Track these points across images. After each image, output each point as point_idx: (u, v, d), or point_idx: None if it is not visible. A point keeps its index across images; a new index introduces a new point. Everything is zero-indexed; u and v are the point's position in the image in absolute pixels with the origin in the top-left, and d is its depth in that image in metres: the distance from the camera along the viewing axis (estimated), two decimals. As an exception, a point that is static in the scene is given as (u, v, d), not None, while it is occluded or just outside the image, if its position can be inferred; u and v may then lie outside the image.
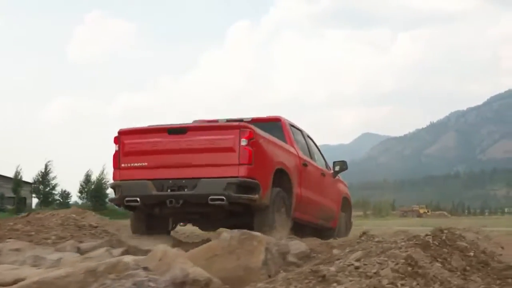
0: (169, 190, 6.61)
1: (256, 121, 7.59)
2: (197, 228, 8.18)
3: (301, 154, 8.00)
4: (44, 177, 67.35)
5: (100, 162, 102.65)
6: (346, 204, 9.90)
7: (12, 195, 61.33)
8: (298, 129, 8.66)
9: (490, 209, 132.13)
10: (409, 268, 3.53)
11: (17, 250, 5.74)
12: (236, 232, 3.92)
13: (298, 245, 5.06)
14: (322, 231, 8.66)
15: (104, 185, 72.96)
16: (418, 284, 3.38)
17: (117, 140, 6.94)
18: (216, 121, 8.21)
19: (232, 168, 6.44)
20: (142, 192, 6.65)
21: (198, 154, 6.63)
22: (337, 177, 9.56)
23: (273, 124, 7.89)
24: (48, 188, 67.66)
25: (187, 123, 7.29)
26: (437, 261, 3.84)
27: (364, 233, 5.08)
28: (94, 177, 72.94)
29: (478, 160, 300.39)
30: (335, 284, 3.26)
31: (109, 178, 74.80)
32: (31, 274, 3.96)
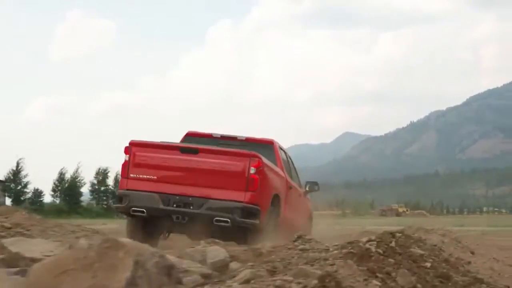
0: (174, 205, 6.94)
1: (249, 141, 8.32)
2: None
3: (288, 178, 8.45)
4: (16, 175, 65.55)
5: (76, 161, 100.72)
6: (310, 219, 10.50)
7: (-18, 194, 59.57)
8: (283, 150, 9.09)
9: (468, 209, 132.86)
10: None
11: None
12: (97, 238, 2.81)
13: (216, 252, 4.01)
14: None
15: (79, 183, 71.45)
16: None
17: (127, 150, 7.19)
18: (211, 135, 8.58)
19: (239, 193, 6.83)
20: (149, 204, 6.95)
21: (207, 175, 6.98)
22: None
23: (266, 146, 8.29)
24: (20, 187, 65.86)
25: (199, 145, 7.51)
26: (376, 277, 2.78)
27: (299, 236, 4.07)
28: (68, 176, 71.39)
29: (457, 159, 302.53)
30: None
31: (84, 176, 73.28)
32: None
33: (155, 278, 2.61)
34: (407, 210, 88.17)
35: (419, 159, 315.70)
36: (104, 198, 75.13)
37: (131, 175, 7.11)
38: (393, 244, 3.39)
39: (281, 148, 8.80)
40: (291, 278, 2.40)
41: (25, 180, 66.67)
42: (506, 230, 24.24)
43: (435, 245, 4.79)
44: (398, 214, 78.95)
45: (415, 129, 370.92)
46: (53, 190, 70.52)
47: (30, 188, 67.88)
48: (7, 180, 65.09)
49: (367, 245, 3.13)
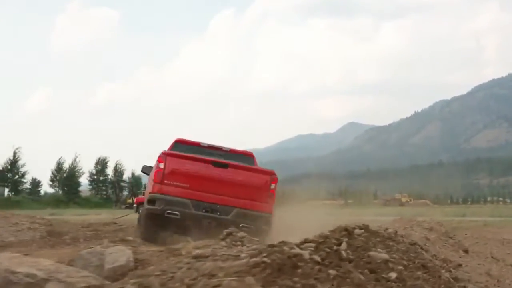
0: (204, 211, 8.04)
1: (232, 152, 9.40)
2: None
3: None
4: (13, 164, 64.73)
5: (74, 152, 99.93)
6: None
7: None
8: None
9: (473, 198, 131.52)
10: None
11: None
12: None
13: (117, 255, 3.04)
14: None
15: (77, 173, 70.63)
16: None
17: (161, 159, 8.14)
18: (199, 144, 9.40)
19: (261, 204, 8.18)
20: (183, 208, 7.96)
21: (234, 187, 8.15)
22: None
23: (246, 158, 9.45)
24: (17, 176, 65.08)
25: (229, 161, 8.61)
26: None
27: (228, 234, 3.09)
28: (66, 165, 70.53)
29: (462, 149, 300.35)
30: None
31: (82, 165, 72.43)
32: None
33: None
34: (410, 200, 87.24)
35: (424, 149, 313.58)
36: (103, 188, 74.36)
37: (165, 181, 8.02)
38: (343, 246, 2.36)
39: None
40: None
41: (22, 170, 65.86)
42: (509, 221, 23.24)
43: (414, 244, 3.68)
44: (402, 204, 78.06)
45: (420, 119, 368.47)
46: (51, 180, 69.74)
47: (28, 178, 67.11)
48: (4, 169, 64.28)
49: (298, 250, 2.11)
